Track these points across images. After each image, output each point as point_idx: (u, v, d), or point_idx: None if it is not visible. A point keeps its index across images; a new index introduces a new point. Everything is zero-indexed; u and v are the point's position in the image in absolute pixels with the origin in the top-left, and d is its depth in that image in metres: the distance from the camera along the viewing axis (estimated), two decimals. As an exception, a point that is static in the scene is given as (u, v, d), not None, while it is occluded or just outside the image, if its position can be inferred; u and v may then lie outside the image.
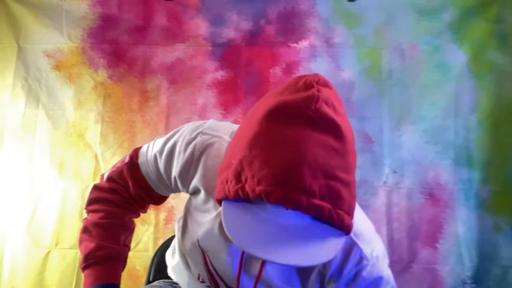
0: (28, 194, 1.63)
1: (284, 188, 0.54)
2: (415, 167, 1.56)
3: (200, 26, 1.65)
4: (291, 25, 1.63)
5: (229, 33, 1.64)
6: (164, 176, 0.79)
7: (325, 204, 0.55)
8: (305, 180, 0.54)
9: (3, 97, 1.67)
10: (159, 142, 0.81)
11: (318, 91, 0.60)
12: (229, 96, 1.62)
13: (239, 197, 0.57)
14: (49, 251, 1.60)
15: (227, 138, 0.74)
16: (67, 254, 1.60)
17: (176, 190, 0.81)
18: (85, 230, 0.82)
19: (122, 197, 0.83)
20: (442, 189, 1.55)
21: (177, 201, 1.57)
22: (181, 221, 0.86)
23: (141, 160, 0.82)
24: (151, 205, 0.89)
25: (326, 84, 0.62)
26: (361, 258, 0.69)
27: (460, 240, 1.53)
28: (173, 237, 0.99)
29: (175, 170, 0.76)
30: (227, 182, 0.59)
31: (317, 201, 0.54)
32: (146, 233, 1.59)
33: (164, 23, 1.66)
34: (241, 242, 0.56)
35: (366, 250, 0.69)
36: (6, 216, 1.63)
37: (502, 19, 1.55)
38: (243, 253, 0.73)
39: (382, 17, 1.60)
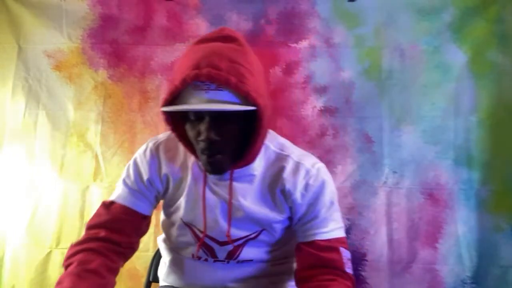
0: (29, 194, 1.63)
1: (199, 68, 0.76)
2: (415, 167, 1.56)
3: (200, 26, 1.65)
4: (291, 25, 1.63)
5: (229, 33, 1.64)
6: (137, 186, 0.93)
7: (232, 77, 0.76)
8: (214, 61, 0.77)
9: (4, 97, 1.67)
10: (119, 180, 0.96)
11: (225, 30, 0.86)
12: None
13: (173, 93, 0.79)
14: (50, 251, 1.61)
15: (171, 136, 0.94)
16: (68, 254, 1.60)
17: (152, 195, 0.95)
18: (57, 283, 0.83)
19: (99, 241, 0.89)
20: (442, 189, 1.55)
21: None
22: (162, 235, 1.05)
23: (112, 197, 0.94)
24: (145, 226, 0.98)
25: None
26: (307, 171, 0.89)
27: (460, 240, 1.53)
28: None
29: (145, 173, 0.93)
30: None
31: (224, 73, 0.76)
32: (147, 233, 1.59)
33: (164, 23, 1.66)
34: (184, 107, 0.78)
35: (309, 165, 0.90)
36: (6, 216, 1.63)
37: (502, 19, 1.55)
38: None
39: (382, 17, 1.60)
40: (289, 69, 1.63)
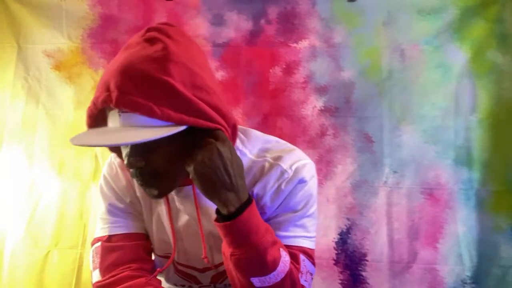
0: (28, 194, 1.63)
1: (109, 91, 0.65)
2: (415, 167, 1.56)
3: (200, 26, 1.65)
4: (291, 25, 1.63)
5: (229, 33, 1.64)
6: (124, 207, 0.84)
7: (141, 100, 0.63)
8: (122, 80, 0.64)
9: (3, 97, 1.67)
10: (100, 209, 0.87)
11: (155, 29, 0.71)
12: (229, 96, 1.62)
13: (91, 116, 0.70)
14: (49, 251, 1.60)
15: None
16: (67, 254, 1.60)
17: (141, 213, 0.86)
18: None
19: (129, 271, 0.80)
20: (442, 189, 1.55)
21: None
22: None
23: (103, 232, 0.85)
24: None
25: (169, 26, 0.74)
26: (282, 172, 0.76)
27: (460, 240, 1.52)
28: None
29: (125, 196, 0.84)
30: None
31: (133, 98, 0.63)
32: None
33: (164, 23, 1.66)
34: (73, 141, 0.66)
35: (286, 165, 0.77)
36: (5, 216, 1.63)
37: (502, 19, 1.55)
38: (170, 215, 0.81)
39: (382, 17, 1.60)
40: (289, 69, 1.63)
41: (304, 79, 1.62)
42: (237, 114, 1.61)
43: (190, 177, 0.67)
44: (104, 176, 0.87)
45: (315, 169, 0.81)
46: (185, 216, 0.82)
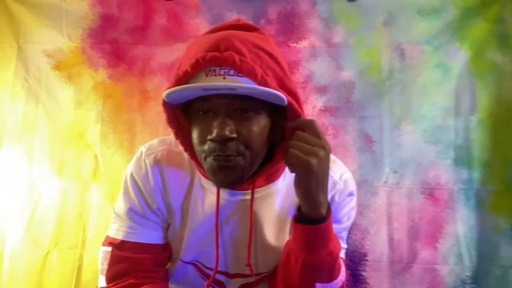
0: (28, 194, 1.62)
1: (218, 50, 0.62)
2: (415, 167, 1.56)
3: (200, 26, 1.64)
4: (291, 25, 1.63)
5: (229, 33, 1.64)
6: (146, 214, 0.78)
7: (257, 66, 0.62)
8: (235, 44, 0.62)
9: (3, 96, 1.67)
10: (119, 206, 0.80)
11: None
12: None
13: (180, 79, 0.64)
14: (49, 251, 1.60)
15: (171, 146, 0.78)
16: (67, 255, 1.59)
17: (162, 220, 0.80)
18: None
19: (134, 279, 0.76)
20: (442, 189, 1.55)
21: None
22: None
23: (118, 234, 0.78)
24: None
25: None
26: (334, 184, 0.77)
27: (460, 240, 1.52)
28: None
29: (152, 202, 0.77)
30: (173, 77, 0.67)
31: (249, 61, 0.62)
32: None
33: (164, 23, 1.66)
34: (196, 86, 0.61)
35: (336, 177, 0.78)
36: (5, 216, 1.63)
37: (502, 19, 1.55)
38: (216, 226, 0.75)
39: (382, 17, 1.60)
40: (289, 69, 1.59)
41: (304, 79, 1.62)
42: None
43: (296, 171, 0.65)
44: (132, 175, 0.79)
45: None
46: (232, 222, 0.77)
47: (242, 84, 0.61)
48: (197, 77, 0.63)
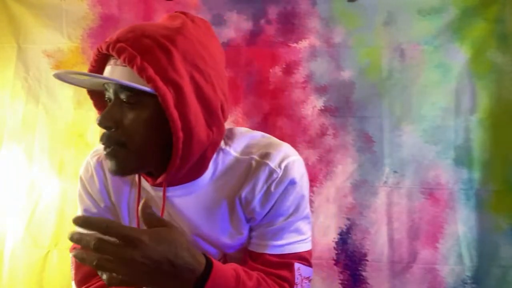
0: (28, 194, 1.62)
1: (114, 40, 0.64)
2: (415, 167, 1.56)
3: (200, 26, 1.64)
4: (291, 25, 1.63)
5: (229, 33, 1.64)
6: (100, 212, 0.80)
7: (129, 49, 0.62)
8: (127, 32, 0.64)
9: (3, 96, 1.67)
10: (78, 209, 0.83)
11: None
12: (229, 96, 1.62)
13: (91, 64, 0.72)
14: (49, 251, 1.60)
15: None
16: (67, 254, 1.58)
17: (117, 218, 0.80)
18: None
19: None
20: (442, 189, 1.55)
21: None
22: None
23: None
24: None
25: None
26: (270, 172, 0.71)
27: (460, 240, 1.52)
28: None
29: (101, 201, 0.80)
30: None
31: (122, 44, 0.63)
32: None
33: (164, 23, 1.66)
34: (56, 74, 0.69)
35: (275, 164, 0.71)
36: (5, 216, 1.63)
37: (502, 19, 1.55)
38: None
39: (382, 17, 1.60)
40: (289, 69, 1.63)
41: (304, 79, 1.62)
42: (237, 114, 1.61)
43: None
44: (81, 178, 0.83)
45: (304, 165, 0.76)
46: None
47: (109, 76, 0.65)
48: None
